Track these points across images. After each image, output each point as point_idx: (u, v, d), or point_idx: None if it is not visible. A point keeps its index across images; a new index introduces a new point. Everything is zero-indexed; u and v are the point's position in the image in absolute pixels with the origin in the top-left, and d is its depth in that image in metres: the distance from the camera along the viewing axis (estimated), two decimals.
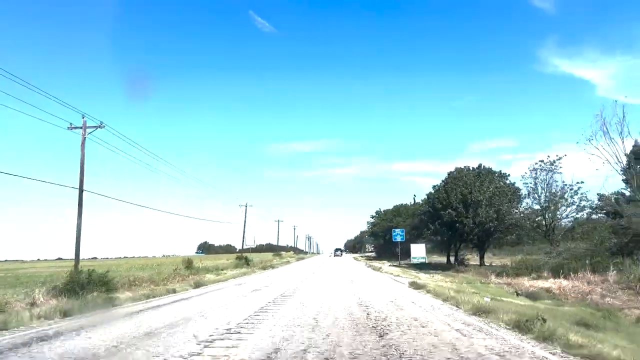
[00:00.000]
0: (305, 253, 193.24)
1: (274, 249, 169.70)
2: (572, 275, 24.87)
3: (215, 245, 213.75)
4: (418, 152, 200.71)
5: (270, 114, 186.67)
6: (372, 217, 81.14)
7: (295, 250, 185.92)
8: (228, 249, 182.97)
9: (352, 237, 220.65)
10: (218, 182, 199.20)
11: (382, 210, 78.80)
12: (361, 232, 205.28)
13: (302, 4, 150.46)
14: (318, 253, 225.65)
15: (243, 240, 66.23)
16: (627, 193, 30.38)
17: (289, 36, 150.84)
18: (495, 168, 43.81)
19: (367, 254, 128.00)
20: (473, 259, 49.64)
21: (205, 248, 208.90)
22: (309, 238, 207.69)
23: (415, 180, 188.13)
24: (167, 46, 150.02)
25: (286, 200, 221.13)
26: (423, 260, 53.70)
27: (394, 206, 73.68)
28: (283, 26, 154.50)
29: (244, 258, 52.67)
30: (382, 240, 72.67)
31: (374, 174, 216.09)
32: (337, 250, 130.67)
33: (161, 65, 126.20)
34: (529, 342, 8.01)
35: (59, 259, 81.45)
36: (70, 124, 20.93)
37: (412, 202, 67.15)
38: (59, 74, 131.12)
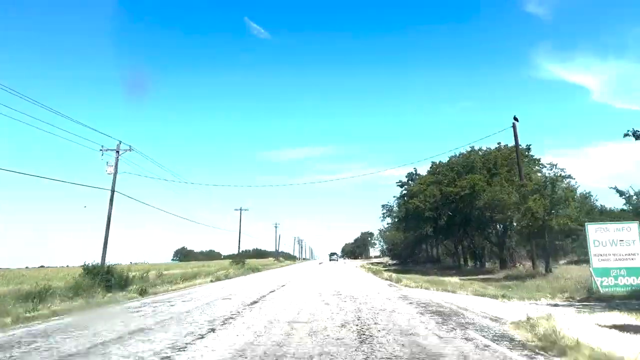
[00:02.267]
0: (294, 259, 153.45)
1: (263, 254, 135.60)
2: None
3: (196, 251, 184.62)
4: (413, 156, 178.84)
5: (264, 120, 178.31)
6: (401, 184, 40.79)
7: (280, 255, 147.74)
8: (210, 255, 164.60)
9: (351, 240, 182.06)
10: (213, 187, 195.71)
11: (417, 172, 38.79)
12: (363, 234, 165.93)
13: (297, 10, 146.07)
14: (313, 259, 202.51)
15: None
16: None
17: (284, 42, 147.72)
18: None
19: (377, 260, 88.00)
20: None
21: (184, 254, 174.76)
22: (300, 241, 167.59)
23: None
24: (162, 51, 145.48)
25: (281, 205, 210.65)
26: None
27: (452, 157, 33.13)
28: (278, 32, 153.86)
29: (100, 274, 20.42)
30: (432, 223, 31.79)
31: (368, 180, 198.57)
32: (332, 254, 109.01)
33: (156, 70, 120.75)
34: None
35: (42, 266, 74.11)
36: None
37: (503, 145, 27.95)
38: (56, 73, 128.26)
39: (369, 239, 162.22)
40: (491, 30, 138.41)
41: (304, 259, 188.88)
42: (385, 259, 78.23)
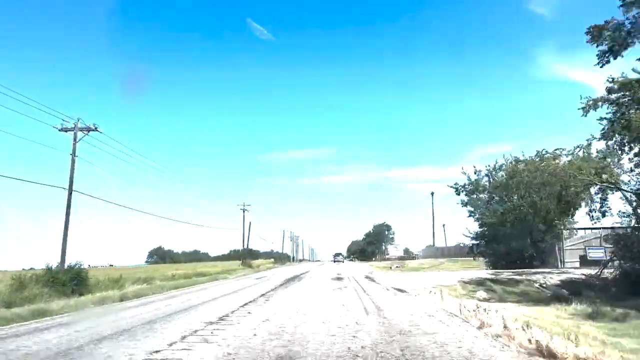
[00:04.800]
0: (285, 260, 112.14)
1: (255, 255, 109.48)
2: None
3: (176, 251, 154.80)
4: (415, 158, 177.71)
5: (266, 122, 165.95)
6: None
7: (273, 255, 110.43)
8: (195, 256, 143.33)
9: (359, 237, 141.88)
10: (213, 189, 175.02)
11: None
12: (376, 227, 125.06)
13: (300, 11, 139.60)
14: (315, 259, 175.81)
15: None
16: None
17: (287, 43, 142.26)
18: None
19: (440, 275, 45.22)
20: None
21: (160, 256, 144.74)
22: (294, 237, 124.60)
23: (412, 187, 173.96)
24: (163, 50, 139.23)
25: (281, 207, 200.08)
26: None
27: None
28: (281, 33, 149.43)
29: None
30: None
31: (370, 181, 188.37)
32: (336, 255, 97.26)
33: (156, 69, 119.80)
34: None
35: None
36: None
37: None
38: (54, 71, 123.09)
39: (386, 232, 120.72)
40: (495, 30, 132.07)
41: (300, 260, 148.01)
42: (472, 261, 36.07)
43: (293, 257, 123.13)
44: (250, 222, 64.20)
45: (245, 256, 63.83)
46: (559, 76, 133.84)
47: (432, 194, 67.34)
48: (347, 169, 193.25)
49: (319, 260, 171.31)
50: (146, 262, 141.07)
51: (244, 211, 64.13)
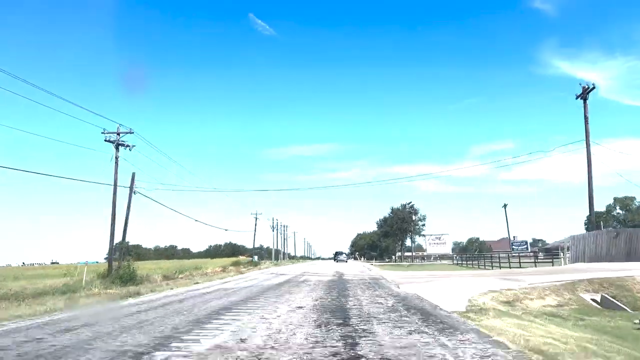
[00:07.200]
0: (267, 259, 73.73)
1: (239, 251, 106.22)
2: None
3: (146, 246, 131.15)
4: (418, 156, 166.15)
5: (268, 118, 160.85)
6: None
7: (256, 252, 76.98)
8: (169, 253, 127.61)
9: (368, 229, 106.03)
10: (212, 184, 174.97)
11: None
12: (396, 210, 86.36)
13: (303, 7, 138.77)
14: (313, 257, 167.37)
15: None
16: None
17: (289, 40, 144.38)
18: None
19: None
20: None
21: (124, 252, 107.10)
22: (278, 226, 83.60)
23: (415, 184, 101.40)
24: (165, 47, 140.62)
25: (284, 205, 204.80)
26: None
27: None
28: (283, 29, 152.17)
29: None
30: None
31: (372, 178, 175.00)
32: (338, 254, 77.09)
33: (158, 66, 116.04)
34: None
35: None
36: None
37: None
38: (57, 68, 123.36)
39: (413, 218, 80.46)
40: (497, 26, 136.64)
41: (292, 257, 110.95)
42: None
43: (276, 254, 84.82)
44: (133, 172, 26.45)
45: (121, 254, 26.17)
46: (561, 73, 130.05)
47: (590, 89, 30.19)
48: (348, 165, 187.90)
49: (318, 259, 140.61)
50: (105, 259, 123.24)
51: (116, 152, 26.52)
